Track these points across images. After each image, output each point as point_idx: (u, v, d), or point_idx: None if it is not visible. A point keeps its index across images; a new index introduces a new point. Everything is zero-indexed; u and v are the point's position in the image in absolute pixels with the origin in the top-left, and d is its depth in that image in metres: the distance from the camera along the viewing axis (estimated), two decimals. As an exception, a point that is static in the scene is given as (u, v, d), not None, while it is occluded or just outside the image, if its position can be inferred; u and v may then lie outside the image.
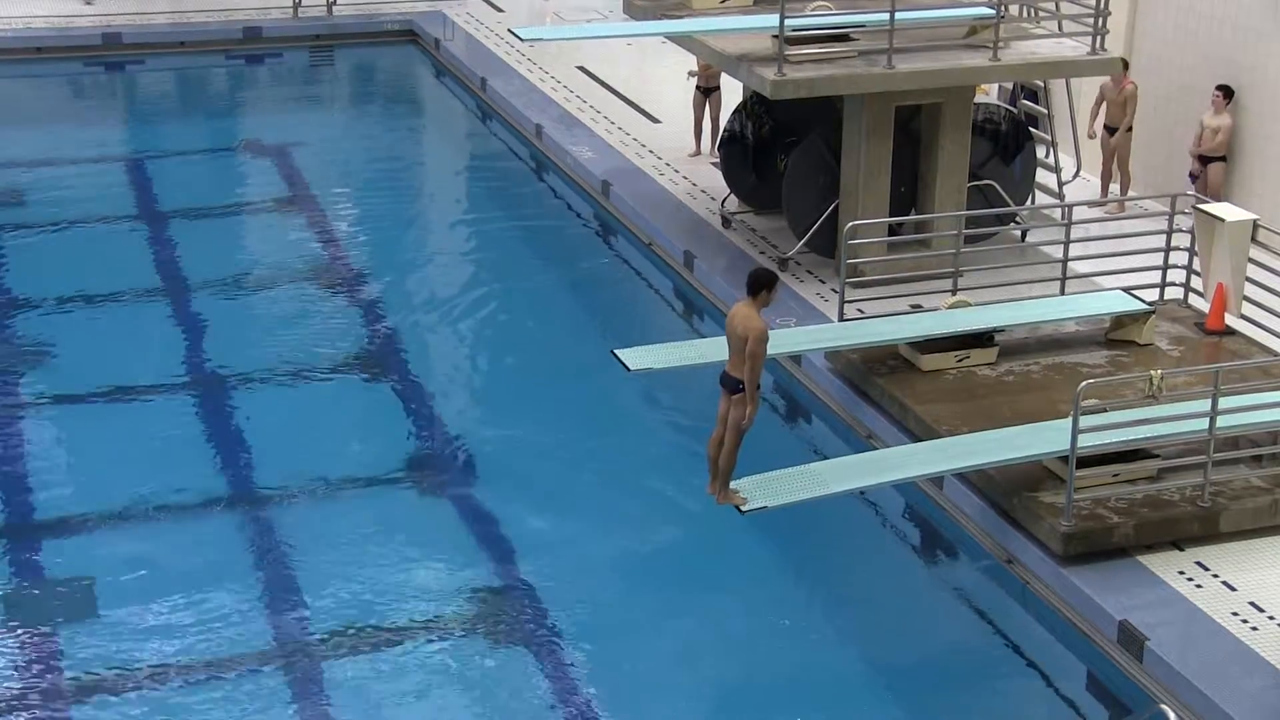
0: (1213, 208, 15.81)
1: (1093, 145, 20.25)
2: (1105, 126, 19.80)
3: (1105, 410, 12.96)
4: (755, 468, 12.78)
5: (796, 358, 16.10)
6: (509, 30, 22.00)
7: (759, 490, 12.58)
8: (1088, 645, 12.13)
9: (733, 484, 12.62)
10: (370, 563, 13.37)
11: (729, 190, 19.89)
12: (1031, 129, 19.24)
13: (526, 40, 19.97)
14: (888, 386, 14.88)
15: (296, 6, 29.24)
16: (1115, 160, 19.78)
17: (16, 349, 17.34)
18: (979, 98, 18.64)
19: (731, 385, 12.53)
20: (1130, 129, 19.53)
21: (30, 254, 20.02)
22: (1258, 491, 13.07)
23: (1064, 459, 12.65)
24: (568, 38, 25.57)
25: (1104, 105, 19.76)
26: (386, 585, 13.06)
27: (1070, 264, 16.50)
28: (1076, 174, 19.94)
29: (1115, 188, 19.82)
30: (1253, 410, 13.28)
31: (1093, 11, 17.58)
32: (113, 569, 13.22)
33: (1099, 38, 17.63)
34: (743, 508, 12.46)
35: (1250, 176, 18.78)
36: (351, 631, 12.48)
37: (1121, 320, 15.67)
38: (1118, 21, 19.31)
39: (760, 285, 12.48)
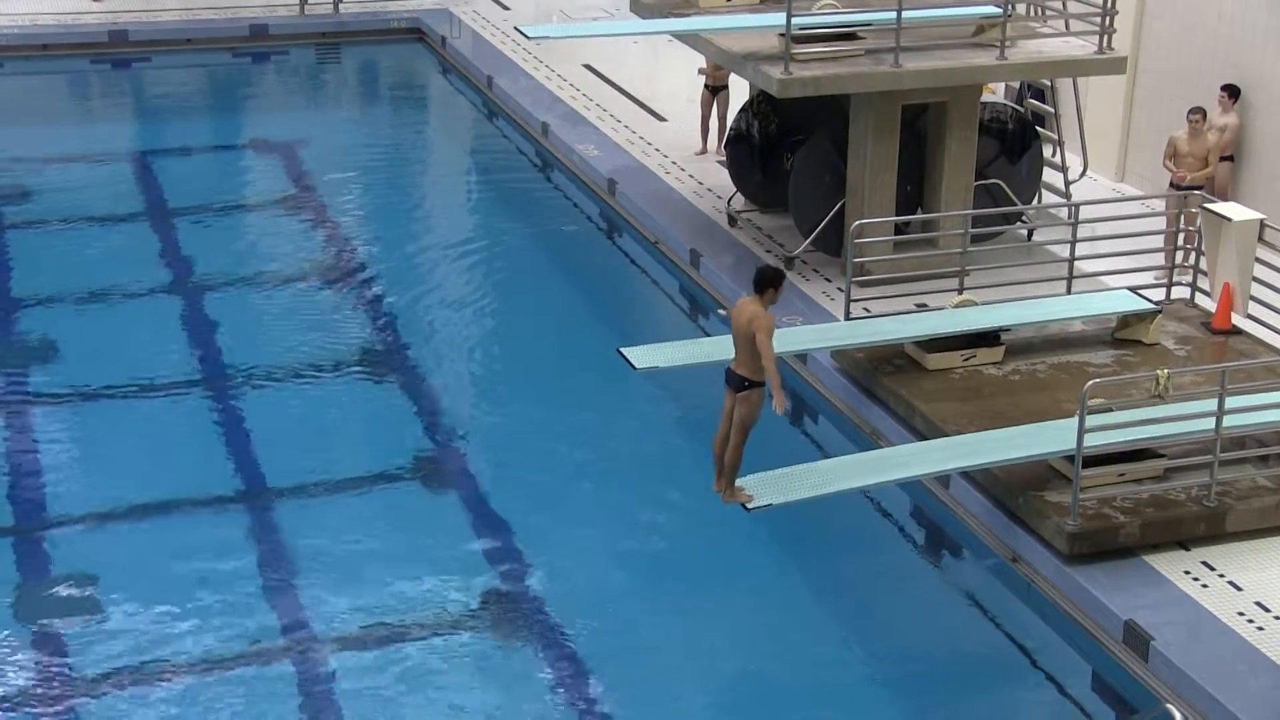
0: (1219, 207, 15.79)
1: (1100, 145, 20.23)
2: (1176, 185, 17.50)
3: (1111, 410, 12.95)
4: (761, 466, 12.77)
5: (803, 356, 16.10)
6: (515, 28, 22.01)
7: (765, 488, 12.58)
8: (1093, 645, 12.12)
9: (738, 481, 12.60)
10: (375, 560, 13.37)
11: (735, 189, 19.88)
12: (1038, 128, 19.23)
13: (533, 38, 19.99)
14: (894, 385, 14.87)
15: (303, 4, 29.26)
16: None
17: (22, 345, 17.36)
18: (986, 97, 18.62)
19: (736, 383, 12.51)
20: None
21: (37, 251, 20.04)
22: (1264, 491, 13.06)
23: (1070, 458, 12.64)
24: (574, 35, 25.59)
25: (1175, 157, 17.77)
26: (391, 582, 13.06)
27: (1077, 263, 16.49)
28: (1083, 173, 19.92)
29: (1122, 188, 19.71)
30: (1259, 410, 13.28)
31: (1100, 11, 17.57)
32: (117, 565, 13.23)
33: (1106, 37, 17.62)
34: (748, 505, 12.46)
35: (1257, 176, 18.75)
36: (356, 628, 12.48)
37: (1128, 320, 15.66)
38: (1125, 21, 19.29)
39: (767, 283, 12.48)
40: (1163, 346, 15.51)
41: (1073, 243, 16.47)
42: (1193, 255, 16.58)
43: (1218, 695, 11.03)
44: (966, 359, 15.15)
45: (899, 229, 17.51)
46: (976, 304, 15.58)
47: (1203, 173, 17.59)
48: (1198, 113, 17.77)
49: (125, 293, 18.75)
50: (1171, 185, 17.81)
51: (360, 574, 13.18)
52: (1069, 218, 16.90)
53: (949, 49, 17.52)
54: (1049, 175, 19.40)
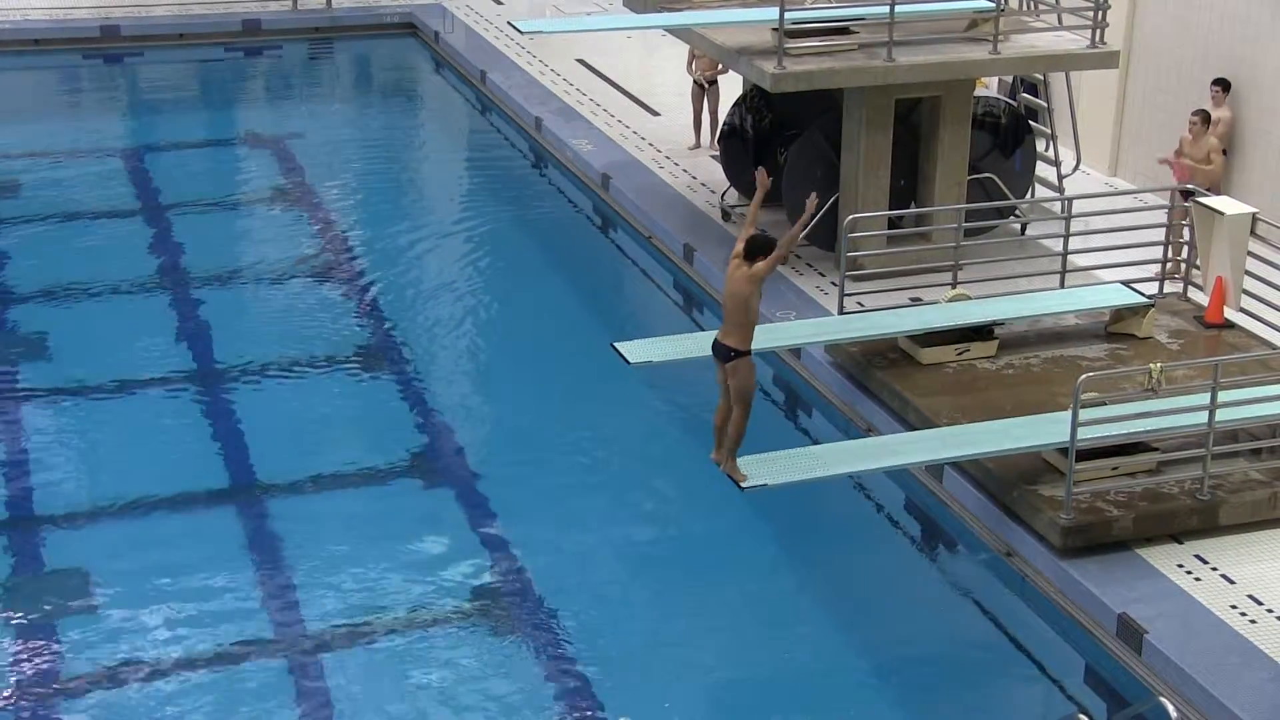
0: (1212, 201, 15.80)
1: (1093, 139, 20.23)
2: (1181, 191, 16.70)
3: (1105, 403, 12.97)
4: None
5: (796, 350, 16.11)
6: (508, 23, 21.97)
7: (760, 468, 12.54)
8: (1087, 638, 12.14)
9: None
10: (369, 556, 13.36)
11: (729, 183, 19.89)
12: (1031, 122, 19.24)
13: (526, 33, 19.99)
14: (887, 379, 14.88)
15: (295, -1, 29.27)
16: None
17: (13, 341, 17.34)
18: (979, 91, 18.63)
19: (724, 354, 12.32)
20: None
21: (27, 246, 20.01)
22: (1256, 485, 13.09)
23: (1063, 452, 12.67)
24: (567, 30, 25.55)
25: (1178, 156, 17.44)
26: (385, 579, 13.06)
27: (1070, 257, 16.51)
28: (1076, 167, 19.93)
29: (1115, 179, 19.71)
30: (1252, 404, 13.30)
31: (1093, 5, 17.59)
32: (110, 562, 13.21)
33: (1099, 31, 17.65)
34: (743, 484, 12.40)
35: (1249, 170, 18.77)
36: (351, 625, 12.48)
37: (1121, 313, 15.68)
38: (1118, 15, 19.31)
39: (759, 251, 12.20)
40: (1156, 340, 15.53)
41: (1066, 236, 16.48)
42: (1185, 249, 16.58)
43: (1211, 688, 11.05)
44: (960, 353, 15.17)
45: (892, 223, 17.51)
46: (970, 298, 15.59)
47: (1201, 175, 17.20)
48: (1198, 114, 17.45)
49: (117, 288, 18.72)
50: (1164, 161, 17.75)
51: (354, 569, 13.17)
52: (1062, 212, 16.91)
53: (942, 43, 17.53)
54: (1042, 169, 19.41)
